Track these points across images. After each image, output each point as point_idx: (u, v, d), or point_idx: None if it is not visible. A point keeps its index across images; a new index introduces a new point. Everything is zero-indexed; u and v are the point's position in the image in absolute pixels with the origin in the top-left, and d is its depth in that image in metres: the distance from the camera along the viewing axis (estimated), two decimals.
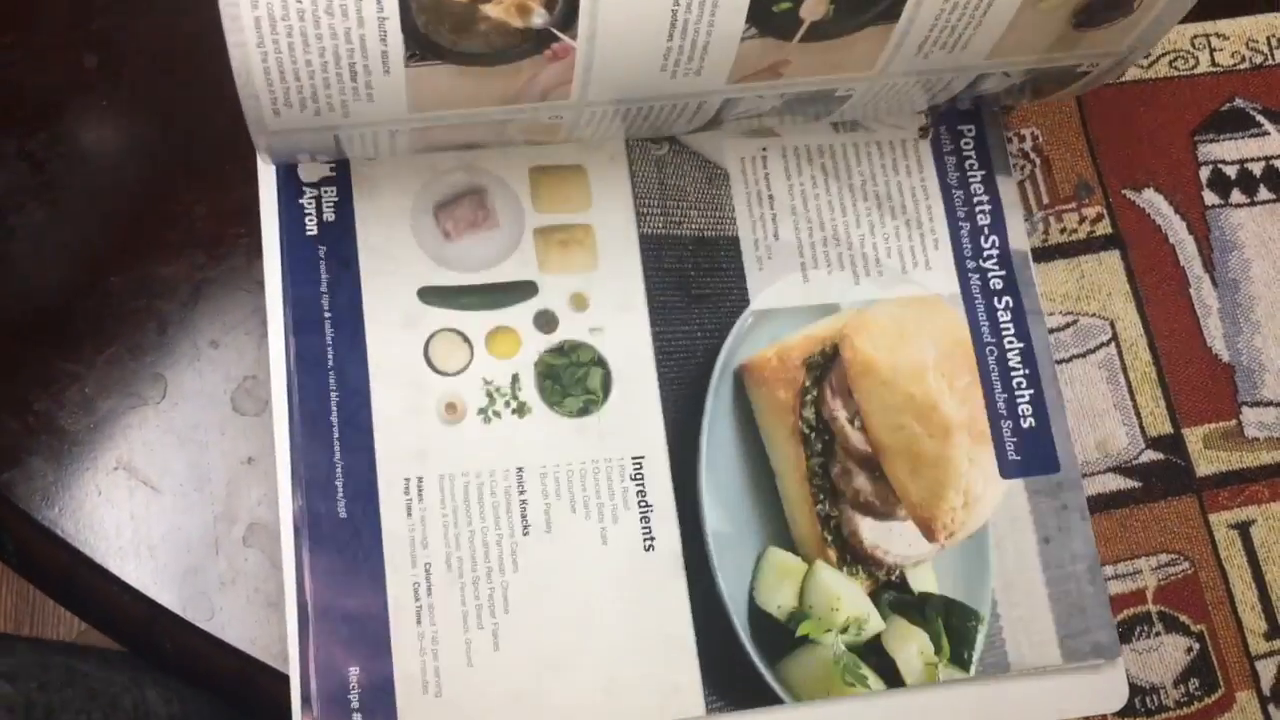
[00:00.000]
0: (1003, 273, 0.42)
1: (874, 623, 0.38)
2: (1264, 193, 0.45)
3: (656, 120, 0.38)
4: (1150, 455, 0.42)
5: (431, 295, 0.39)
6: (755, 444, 0.39)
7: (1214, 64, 0.46)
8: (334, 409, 0.38)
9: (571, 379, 0.39)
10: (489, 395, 0.39)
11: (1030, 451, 0.40)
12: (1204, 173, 0.45)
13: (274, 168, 0.39)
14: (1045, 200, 0.44)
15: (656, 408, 0.39)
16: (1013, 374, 0.41)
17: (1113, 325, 0.43)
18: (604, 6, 0.31)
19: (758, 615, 0.38)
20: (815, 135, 0.42)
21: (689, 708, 0.37)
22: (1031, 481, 0.40)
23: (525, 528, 0.38)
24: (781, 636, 0.38)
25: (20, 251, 0.40)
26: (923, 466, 0.40)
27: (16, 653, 0.44)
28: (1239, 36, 0.47)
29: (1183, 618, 0.41)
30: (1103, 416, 0.43)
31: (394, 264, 0.39)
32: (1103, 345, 0.43)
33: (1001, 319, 0.41)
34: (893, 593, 0.39)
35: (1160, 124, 0.46)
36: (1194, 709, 0.40)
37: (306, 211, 0.39)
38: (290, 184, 0.39)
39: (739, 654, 0.38)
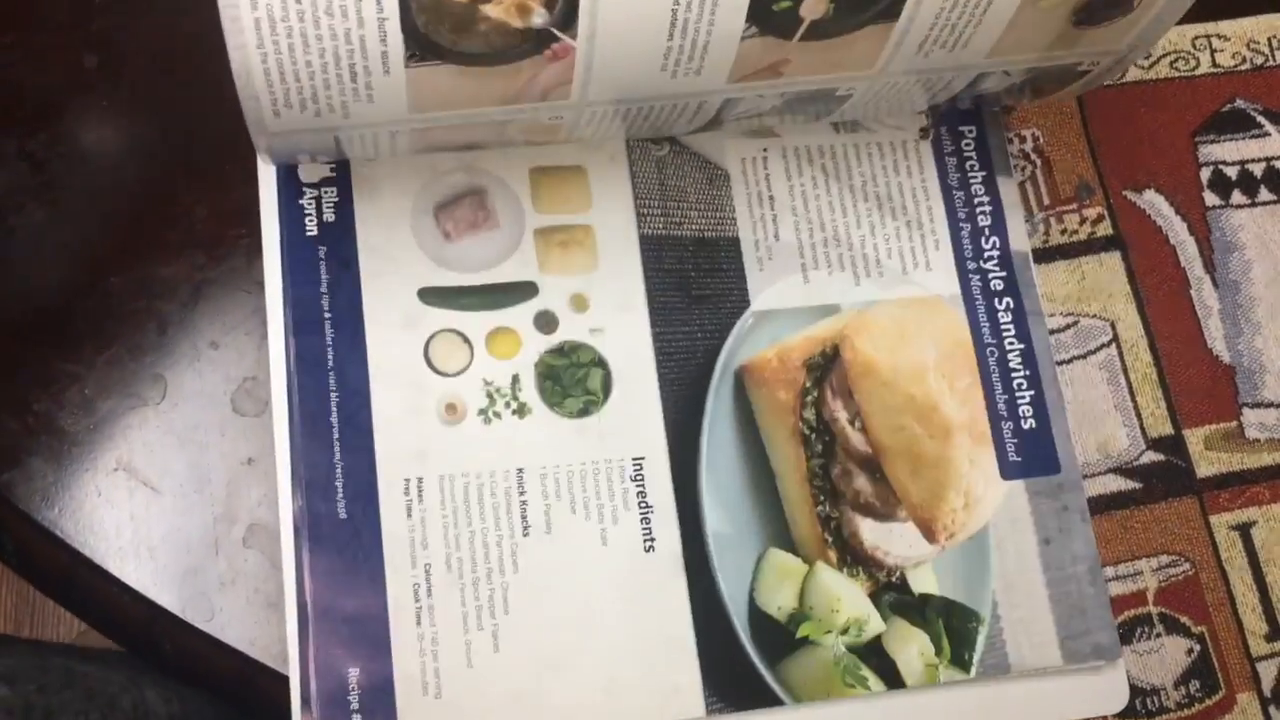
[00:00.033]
0: (1003, 274, 0.42)
1: (874, 624, 0.38)
2: (1265, 194, 0.45)
3: (657, 121, 0.38)
4: (1151, 456, 0.42)
5: (431, 296, 0.39)
6: (755, 445, 0.39)
7: (1215, 65, 0.46)
8: (334, 409, 0.38)
9: (572, 380, 0.39)
10: (489, 396, 0.39)
11: (1031, 453, 0.40)
12: (1205, 174, 0.45)
13: (274, 168, 0.39)
14: (1046, 201, 0.44)
15: (657, 408, 0.39)
16: (1013, 375, 0.41)
17: (1113, 326, 0.43)
18: (604, 6, 0.31)
19: (758, 616, 0.38)
20: (816, 136, 0.42)
21: (689, 709, 0.37)
22: (1032, 483, 0.40)
23: (525, 528, 0.38)
24: (782, 637, 0.38)
25: (20, 252, 0.40)
26: (923, 467, 0.40)
27: (14, 654, 0.44)
28: (1240, 37, 0.47)
29: (1183, 619, 0.41)
30: (1103, 418, 0.43)
31: (394, 264, 0.39)
32: (1103, 346, 0.43)
33: (1002, 320, 0.41)
34: (893, 594, 0.39)
35: (1161, 125, 0.46)
36: (1195, 710, 0.40)
37: (306, 212, 0.39)
38: (290, 184, 0.39)
39: (739, 655, 0.38)
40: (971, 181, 0.43)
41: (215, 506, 0.39)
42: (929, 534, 0.39)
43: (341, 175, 0.40)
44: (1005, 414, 0.41)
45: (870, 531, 0.39)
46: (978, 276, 0.42)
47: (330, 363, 0.38)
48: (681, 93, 0.35)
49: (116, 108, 0.42)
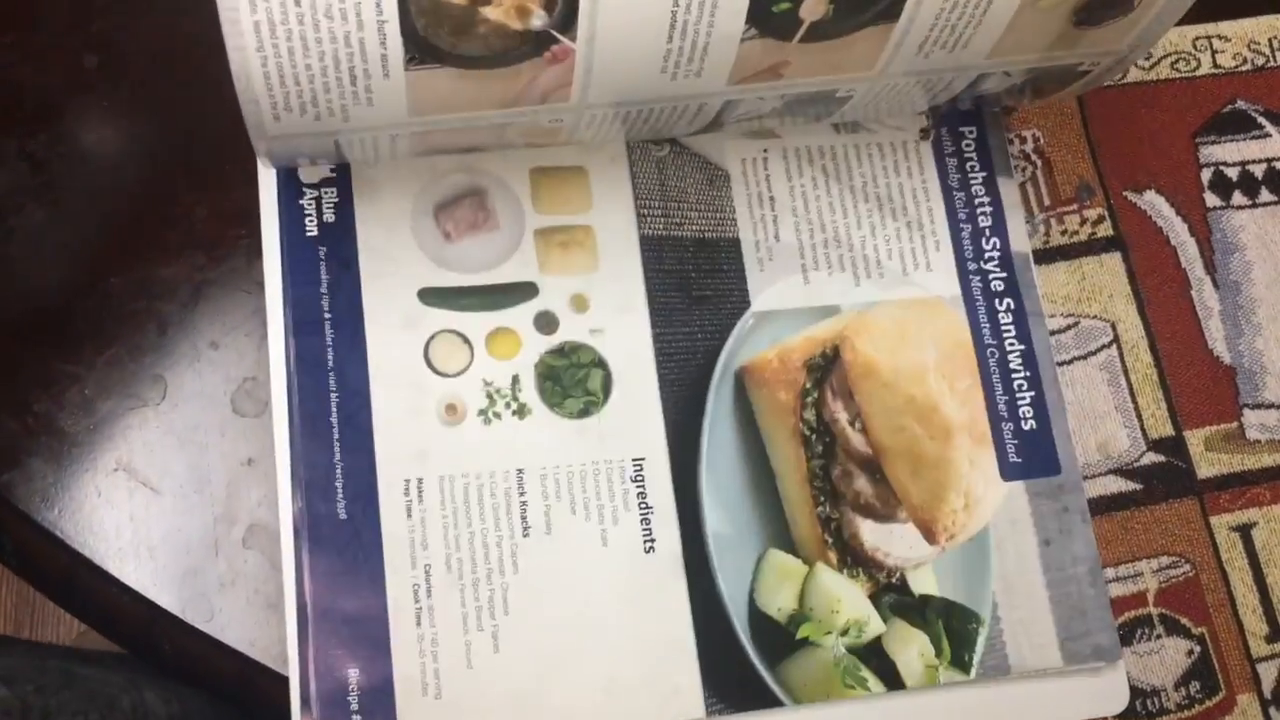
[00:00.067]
0: (1004, 274, 0.42)
1: (874, 625, 0.38)
2: (1265, 195, 0.45)
3: (657, 123, 0.38)
4: (1151, 457, 0.42)
5: (432, 296, 0.39)
6: (756, 446, 0.39)
7: (1215, 66, 0.46)
8: (334, 410, 0.38)
9: (572, 380, 0.39)
10: (489, 396, 0.38)
11: (1031, 454, 0.40)
12: (1205, 174, 0.45)
13: (274, 169, 0.39)
14: (1046, 202, 0.44)
15: (657, 409, 0.39)
16: (1014, 376, 0.41)
17: (1114, 327, 0.43)
18: (603, 8, 0.31)
19: (758, 617, 0.38)
20: (816, 137, 0.42)
21: (689, 710, 0.37)
22: (1032, 484, 0.40)
23: (525, 529, 0.38)
24: (782, 638, 0.38)
25: (20, 252, 0.40)
26: (923, 468, 0.40)
27: (12, 655, 0.44)
28: (1240, 38, 0.47)
29: (1184, 620, 0.41)
30: (1104, 418, 0.42)
31: (394, 265, 0.39)
32: (1104, 347, 0.43)
33: (1002, 321, 0.41)
34: (893, 595, 0.39)
35: (1162, 126, 0.46)
36: (1195, 712, 0.40)
37: (307, 213, 0.39)
38: (290, 185, 0.39)
39: (739, 656, 0.38)
40: (972, 182, 0.43)
41: (215, 507, 0.39)
42: (929, 535, 0.39)
43: (342, 176, 0.40)
44: (1005, 415, 0.40)
45: (870, 532, 0.39)
46: (978, 277, 0.42)
47: (330, 363, 0.38)
48: (681, 95, 0.35)
49: (117, 108, 0.42)
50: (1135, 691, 0.40)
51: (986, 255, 0.42)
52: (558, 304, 0.40)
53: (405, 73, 0.32)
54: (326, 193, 0.39)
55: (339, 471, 0.37)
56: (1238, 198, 0.45)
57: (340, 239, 0.39)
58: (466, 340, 0.39)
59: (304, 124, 0.33)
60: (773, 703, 0.38)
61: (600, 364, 0.39)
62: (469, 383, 0.39)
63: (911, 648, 0.38)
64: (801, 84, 0.36)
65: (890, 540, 0.39)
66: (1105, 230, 0.44)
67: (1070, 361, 0.43)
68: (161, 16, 0.42)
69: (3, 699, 0.39)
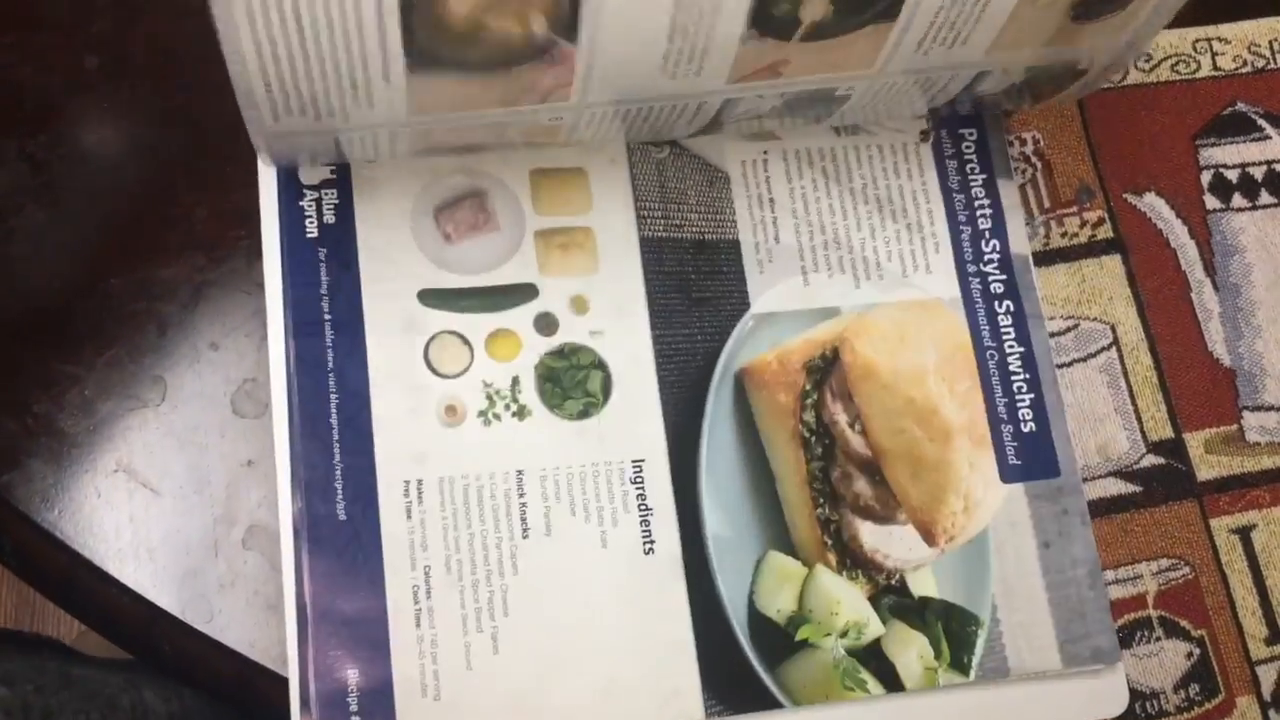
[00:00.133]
0: (1003, 276, 0.42)
1: (874, 627, 0.38)
2: (1265, 197, 0.45)
3: (656, 121, 0.38)
4: (1151, 460, 0.42)
5: (432, 298, 0.39)
6: (755, 448, 0.39)
7: (1215, 68, 0.46)
8: (334, 411, 0.38)
9: (571, 382, 0.39)
10: (489, 398, 0.39)
11: (1031, 456, 0.40)
12: (1205, 177, 0.45)
13: (275, 170, 0.39)
14: (1046, 204, 0.44)
15: (657, 411, 0.39)
16: (1013, 378, 0.41)
17: (1114, 329, 0.43)
18: (605, 14, 0.31)
19: (757, 619, 0.38)
20: (816, 138, 0.42)
21: (688, 711, 0.37)
22: (1032, 486, 0.40)
23: (525, 531, 0.38)
24: (781, 640, 0.38)
25: (20, 253, 0.40)
26: (923, 470, 0.40)
27: (12, 656, 0.44)
28: (1240, 40, 0.47)
29: (1183, 623, 0.41)
30: (1103, 421, 0.42)
31: (394, 266, 0.39)
32: (1103, 349, 0.43)
33: (1002, 323, 0.41)
34: (892, 597, 0.39)
35: (1161, 128, 0.46)
36: (1194, 714, 0.40)
37: (307, 214, 0.39)
38: (291, 186, 0.39)
39: (739, 658, 0.38)
40: (972, 184, 0.43)
41: (215, 508, 0.39)
42: (929, 537, 0.39)
43: (342, 177, 0.40)
44: (1005, 417, 0.40)
45: (870, 534, 0.39)
46: (978, 279, 0.42)
47: (330, 364, 0.38)
48: (681, 93, 0.35)
49: (117, 109, 0.42)
50: (1134, 694, 0.40)
51: (986, 257, 0.42)
52: (558, 305, 0.40)
53: (406, 77, 0.32)
54: (327, 194, 0.39)
55: (339, 473, 0.37)
56: (1238, 200, 0.45)
57: (340, 240, 0.39)
58: (466, 341, 0.39)
59: (304, 124, 0.33)
60: (772, 704, 0.38)
61: (600, 365, 0.39)
62: (469, 384, 0.39)
63: (911, 650, 0.38)
64: (801, 82, 0.36)
65: (890, 542, 0.39)
66: (1105, 232, 0.44)
67: (1070, 364, 0.43)
68: (162, 17, 0.42)
69: (3, 698, 0.39)
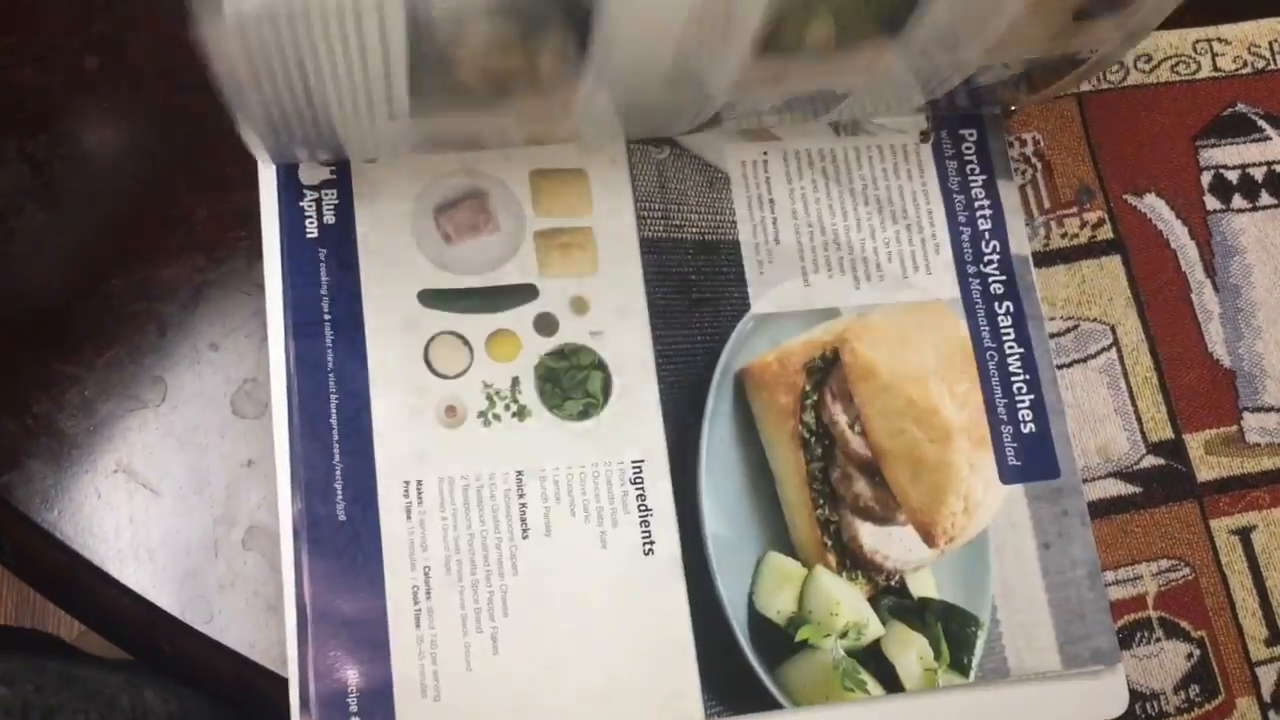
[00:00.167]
0: (1003, 277, 0.42)
1: (873, 628, 0.38)
2: (1265, 198, 0.45)
3: (655, 121, 0.38)
4: (1151, 460, 0.42)
5: (432, 298, 0.39)
6: (755, 448, 0.39)
7: (1216, 69, 0.46)
8: (334, 412, 0.38)
9: (571, 382, 0.39)
10: (489, 398, 0.39)
11: (1030, 457, 0.40)
12: (1205, 178, 0.45)
13: (274, 170, 0.39)
14: (1046, 205, 0.44)
15: (656, 411, 0.39)
16: (1013, 379, 0.41)
17: (1114, 330, 0.43)
18: (613, 55, 0.31)
19: (757, 620, 0.38)
20: (816, 139, 0.42)
21: (688, 712, 0.37)
22: (1032, 487, 0.40)
23: (525, 531, 0.38)
24: (781, 641, 0.38)
25: (20, 253, 0.40)
26: (923, 471, 0.40)
27: (12, 655, 0.44)
28: (1241, 41, 0.47)
29: (1183, 624, 0.41)
30: (1103, 422, 0.42)
31: (394, 267, 0.39)
32: (1104, 350, 0.43)
33: (1002, 324, 0.41)
34: (892, 598, 0.39)
35: (1162, 129, 0.46)
36: (1194, 715, 0.40)
37: (307, 214, 0.39)
38: (291, 186, 0.39)
39: (738, 659, 0.38)
40: (972, 185, 0.43)
41: (215, 509, 0.39)
42: (928, 538, 0.39)
43: (342, 177, 0.40)
44: (1005, 418, 0.40)
45: (870, 535, 0.39)
46: (978, 280, 0.42)
47: (330, 365, 0.38)
48: (682, 102, 0.35)
49: (117, 109, 0.42)
50: (1134, 695, 0.40)
51: (986, 258, 0.42)
52: (558, 306, 0.40)
53: (410, 117, 0.32)
54: (327, 194, 0.39)
55: (338, 473, 0.37)
56: (1238, 201, 0.45)
57: (340, 241, 0.39)
58: (466, 342, 0.39)
59: (301, 137, 0.34)
60: (772, 705, 0.38)
61: (600, 366, 0.39)
62: (469, 384, 0.39)
63: (910, 650, 0.38)
64: (801, 87, 0.36)
65: (889, 543, 0.39)
66: (1105, 233, 0.44)
67: (1070, 364, 0.43)
68: (162, 17, 0.42)
69: (3, 697, 0.39)
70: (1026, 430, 0.40)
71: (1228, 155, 0.45)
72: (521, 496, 0.38)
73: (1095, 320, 0.43)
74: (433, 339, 0.39)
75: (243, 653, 0.38)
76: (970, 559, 0.39)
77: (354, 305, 0.39)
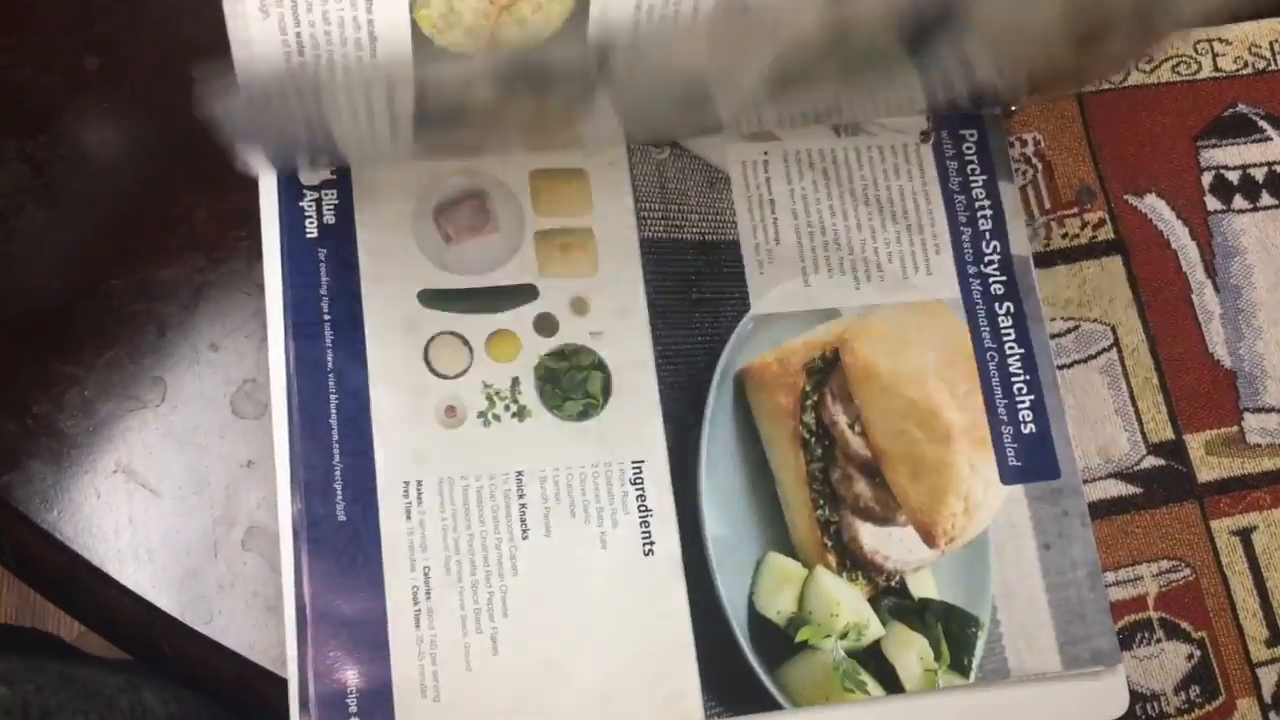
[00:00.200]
0: (1004, 278, 0.42)
1: (874, 628, 0.38)
2: (1266, 198, 0.45)
3: (659, 133, 0.38)
4: (1152, 461, 0.42)
5: (431, 298, 0.39)
6: (755, 449, 0.39)
7: (1216, 69, 0.46)
8: (333, 412, 0.38)
9: (571, 383, 0.39)
10: (489, 399, 0.38)
11: (1031, 457, 0.40)
12: (1206, 178, 0.45)
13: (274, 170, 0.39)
14: (1047, 205, 0.44)
15: (656, 412, 0.39)
16: (1014, 380, 0.41)
17: (1114, 331, 0.43)
18: (621, 92, 0.31)
19: (757, 620, 0.38)
20: (817, 139, 0.42)
21: (688, 712, 0.37)
22: (1032, 487, 0.40)
23: (524, 531, 0.38)
24: (781, 642, 0.38)
25: (20, 254, 0.40)
26: (923, 472, 0.40)
27: (12, 656, 0.44)
28: (1242, 41, 0.47)
29: (1184, 624, 0.41)
30: (1104, 422, 0.42)
31: (394, 267, 0.39)
32: (1104, 351, 0.43)
33: (1003, 324, 0.41)
34: (893, 598, 0.39)
35: (1163, 129, 0.45)
36: (1195, 716, 0.40)
37: (307, 214, 0.39)
38: (291, 187, 0.39)
39: (738, 659, 0.38)
40: (972, 185, 0.43)
41: (214, 509, 0.39)
42: (929, 538, 0.39)
43: (342, 177, 0.40)
44: (1005, 419, 0.40)
45: (870, 536, 0.39)
46: (978, 281, 0.42)
47: (330, 365, 0.38)
48: (689, 120, 0.35)
49: (117, 110, 0.42)
50: (1135, 696, 0.40)
51: (987, 259, 0.42)
52: (558, 306, 0.40)
53: (413, 145, 0.32)
54: (327, 194, 0.39)
55: (338, 473, 0.37)
56: (1239, 201, 0.45)
57: (340, 241, 0.39)
58: (466, 342, 0.39)
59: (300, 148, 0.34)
60: (772, 706, 0.38)
61: (600, 366, 0.39)
62: (468, 385, 0.39)
63: (911, 651, 0.38)
64: (800, 101, 0.36)
65: (890, 543, 0.39)
66: (1106, 233, 0.44)
67: (1070, 365, 0.43)
68: (163, 19, 0.42)
69: (3, 697, 0.39)
70: (1027, 431, 0.40)
71: (1229, 156, 0.45)
72: (521, 497, 0.38)
73: (1096, 321, 0.43)
74: (433, 339, 0.39)
75: (242, 653, 0.38)
76: (970, 560, 0.39)
77: (354, 305, 0.39)
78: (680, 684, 0.37)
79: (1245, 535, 0.42)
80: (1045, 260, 0.44)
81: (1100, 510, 0.41)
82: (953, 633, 0.39)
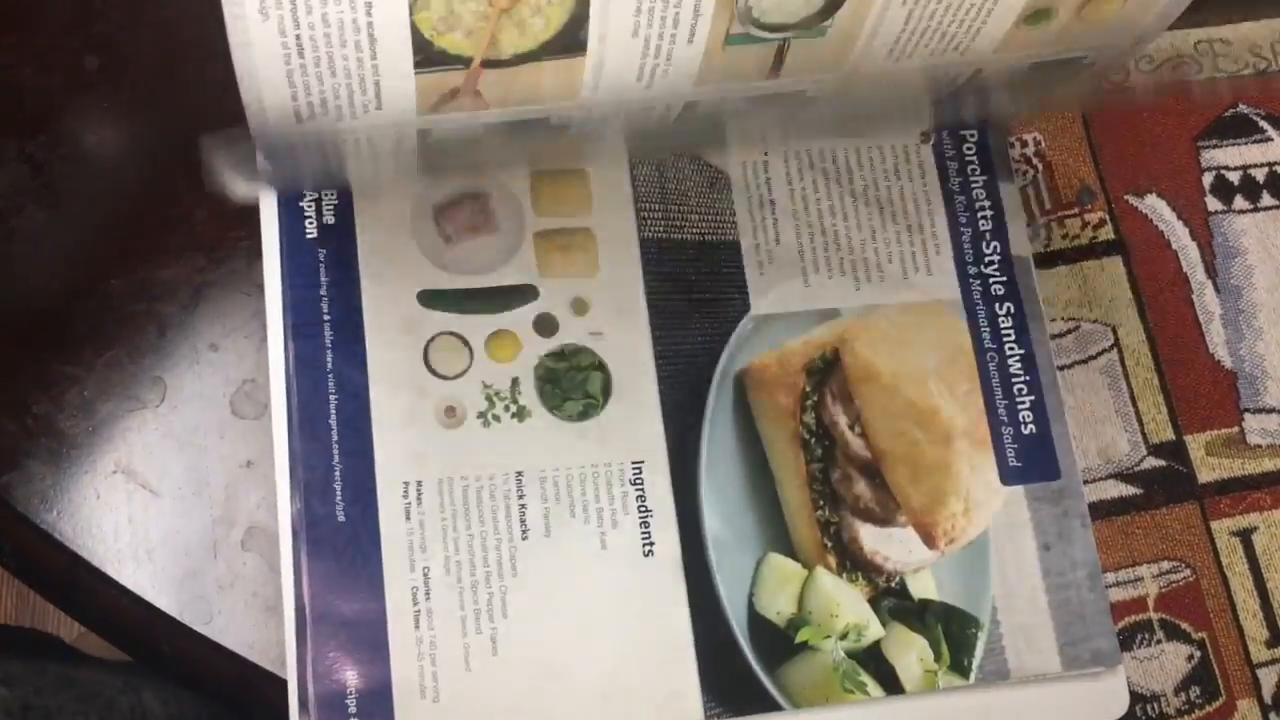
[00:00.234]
0: (1004, 278, 0.42)
1: (874, 629, 0.38)
2: (1267, 199, 0.45)
3: (661, 144, 0.38)
4: (1152, 462, 0.42)
5: (431, 299, 0.39)
6: (755, 449, 0.39)
7: (1217, 69, 0.46)
8: (333, 412, 0.38)
9: (571, 383, 0.39)
10: (488, 399, 0.38)
11: (1031, 458, 0.40)
12: (1207, 178, 0.45)
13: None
14: (1047, 206, 0.44)
15: (656, 412, 0.39)
16: (1014, 380, 0.41)
17: (1115, 331, 0.43)
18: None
19: (757, 621, 0.38)
20: (816, 140, 0.42)
21: (688, 713, 0.37)
22: (1032, 488, 0.40)
23: (524, 532, 0.38)
24: (781, 643, 0.38)
25: (20, 254, 0.40)
26: (923, 473, 0.40)
27: (12, 656, 0.44)
28: (1242, 42, 0.47)
29: (1184, 625, 0.41)
30: (1104, 423, 0.42)
31: (394, 267, 0.39)
32: (1104, 351, 0.43)
33: (1003, 325, 0.41)
34: (892, 599, 0.39)
35: (1163, 129, 0.45)
36: (1195, 717, 0.40)
37: (306, 214, 0.39)
38: None
39: (738, 660, 0.38)
40: (973, 186, 0.43)
41: (214, 509, 0.39)
42: (929, 539, 0.39)
43: None
44: (1005, 419, 0.40)
45: (870, 536, 0.39)
46: (979, 281, 0.42)
47: (329, 365, 0.38)
48: (691, 131, 0.35)
49: (117, 110, 0.42)
50: (1135, 696, 0.40)
51: (987, 259, 0.42)
52: (557, 307, 0.40)
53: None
54: (326, 195, 0.39)
55: (338, 474, 0.37)
56: (1239, 202, 0.45)
57: (340, 241, 0.39)
58: (466, 343, 0.39)
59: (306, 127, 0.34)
60: (772, 707, 0.37)
61: (600, 367, 0.39)
62: (468, 385, 0.39)
63: (911, 652, 0.38)
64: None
65: (890, 544, 0.39)
66: (1106, 234, 0.44)
67: (1071, 365, 0.43)
68: (163, 19, 0.42)
69: (3, 698, 0.39)
70: (1027, 431, 0.40)
71: (1229, 156, 0.45)
72: (521, 497, 0.38)
73: (1096, 321, 0.43)
74: (432, 339, 0.39)
75: (242, 653, 0.38)
76: (970, 560, 0.39)
77: (353, 306, 0.39)
78: (680, 684, 0.37)
79: (1245, 536, 0.42)
80: (1045, 260, 0.43)
81: (1100, 511, 0.41)
82: (953, 633, 0.39)
